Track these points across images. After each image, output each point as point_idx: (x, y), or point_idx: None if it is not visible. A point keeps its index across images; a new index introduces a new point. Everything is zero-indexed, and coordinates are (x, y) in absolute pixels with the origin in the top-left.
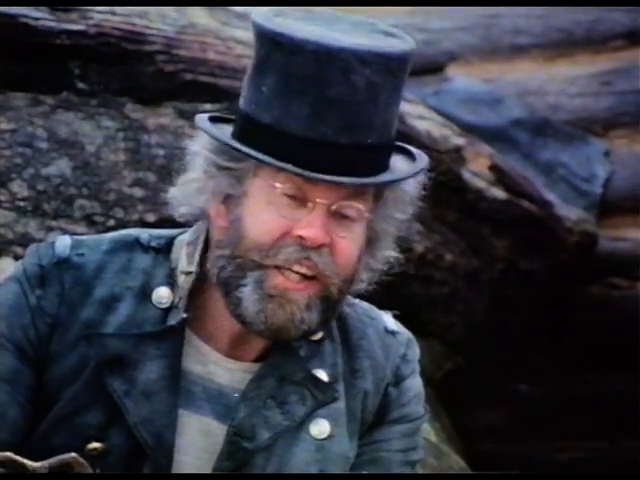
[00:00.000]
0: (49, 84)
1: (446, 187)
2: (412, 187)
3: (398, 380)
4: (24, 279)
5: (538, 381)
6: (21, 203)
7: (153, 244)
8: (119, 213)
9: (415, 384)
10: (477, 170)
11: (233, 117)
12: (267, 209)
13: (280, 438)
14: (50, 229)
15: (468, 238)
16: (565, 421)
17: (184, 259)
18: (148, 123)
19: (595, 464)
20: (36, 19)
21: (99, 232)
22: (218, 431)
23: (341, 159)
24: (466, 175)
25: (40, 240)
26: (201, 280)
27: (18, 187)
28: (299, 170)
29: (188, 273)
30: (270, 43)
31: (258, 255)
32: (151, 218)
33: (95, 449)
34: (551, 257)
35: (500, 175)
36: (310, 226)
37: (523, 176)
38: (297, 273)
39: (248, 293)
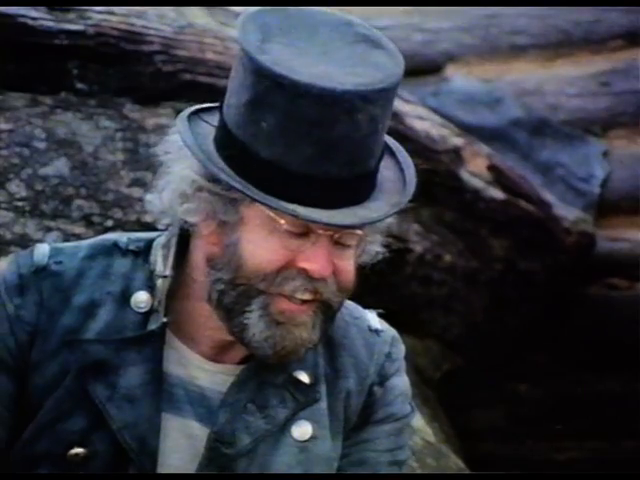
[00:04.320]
0: (47, 84)
1: (444, 187)
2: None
3: (383, 379)
4: (3, 289)
5: (537, 381)
6: (19, 203)
7: (131, 247)
8: (117, 213)
9: (400, 382)
10: (475, 170)
11: (213, 106)
12: (268, 239)
13: (262, 442)
14: (48, 229)
15: (466, 238)
16: (564, 421)
17: (160, 262)
18: (147, 123)
19: (594, 464)
20: (34, 19)
21: (97, 232)
22: (201, 433)
23: (343, 193)
24: (464, 175)
25: (38, 240)
26: (180, 283)
27: (16, 187)
28: (310, 217)
29: (164, 277)
30: (269, 81)
31: (263, 284)
32: (149, 218)
33: (77, 455)
34: (549, 257)
35: (498, 175)
36: (315, 259)
37: (521, 176)
38: (300, 299)
39: (255, 320)
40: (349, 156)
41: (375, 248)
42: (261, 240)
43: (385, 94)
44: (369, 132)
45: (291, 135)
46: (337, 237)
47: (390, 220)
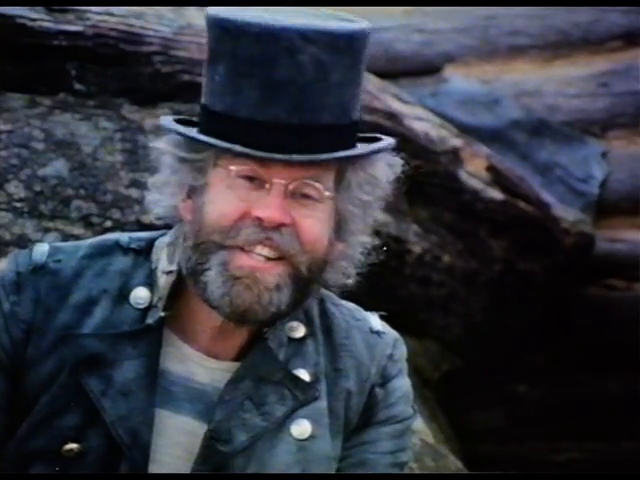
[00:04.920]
0: (46, 85)
1: (443, 188)
2: (378, 170)
3: (385, 380)
4: (0, 286)
5: (536, 382)
6: (18, 204)
7: (133, 246)
8: (116, 214)
9: (402, 384)
10: (474, 171)
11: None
12: (226, 193)
13: (260, 440)
14: (47, 230)
15: (465, 239)
16: (563, 422)
17: (165, 260)
18: (145, 124)
19: (593, 465)
20: (33, 20)
21: (96, 233)
22: (199, 431)
23: (294, 140)
24: (463, 176)
25: (37, 241)
26: (181, 280)
27: (15, 188)
28: (246, 150)
29: (169, 272)
30: (218, 31)
31: (219, 237)
32: (148, 219)
33: (72, 450)
34: (548, 258)
35: (497, 176)
36: (267, 206)
37: (520, 177)
38: (260, 255)
39: (213, 276)
40: (295, 101)
41: (362, 239)
42: (219, 196)
43: (331, 39)
44: (316, 78)
45: (237, 80)
46: (292, 187)
47: (368, 198)
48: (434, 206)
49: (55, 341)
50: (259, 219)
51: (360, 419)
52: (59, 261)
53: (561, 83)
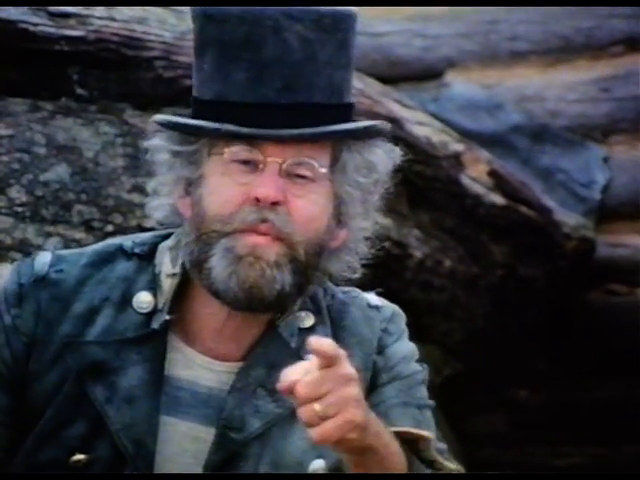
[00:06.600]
0: (48, 90)
1: (445, 193)
2: (375, 156)
3: (381, 350)
4: (2, 299)
5: (537, 387)
6: (19, 209)
7: (136, 250)
8: (118, 219)
9: (402, 348)
10: (476, 176)
11: None
12: (222, 180)
13: (275, 426)
14: (49, 235)
15: (467, 244)
16: (564, 427)
17: (168, 263)
18: (147, 129)
19: (594, 470)
20: (35, 25)
21: (98, 238)
22: (207, 436)
23: (284, 118)
24: (465, 181)
25: (38, 246)
26: (185, 283)
27: (16, 193)
28: (234, 128)
29: (173, 275)
30: (202, 20)
31: (219, 225)
32: (149, 224)
33: (79, 461)
34: (550, 263)
35: (499, 181)
36: (261, 185)
37: (522, 182)
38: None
39: (217, 260)
40: (284, 80)
41: (363, 224)
42: (216, 184)
43: (316, 16)
44: (303, 57)
45: (225, 65)
46: (286, 166)
47: (365, 181)
48: (435, 211)
49: (58, 351)
50: (257, 199)
51: (366, 391)
52: (61, 271)
53: (562, 88)
